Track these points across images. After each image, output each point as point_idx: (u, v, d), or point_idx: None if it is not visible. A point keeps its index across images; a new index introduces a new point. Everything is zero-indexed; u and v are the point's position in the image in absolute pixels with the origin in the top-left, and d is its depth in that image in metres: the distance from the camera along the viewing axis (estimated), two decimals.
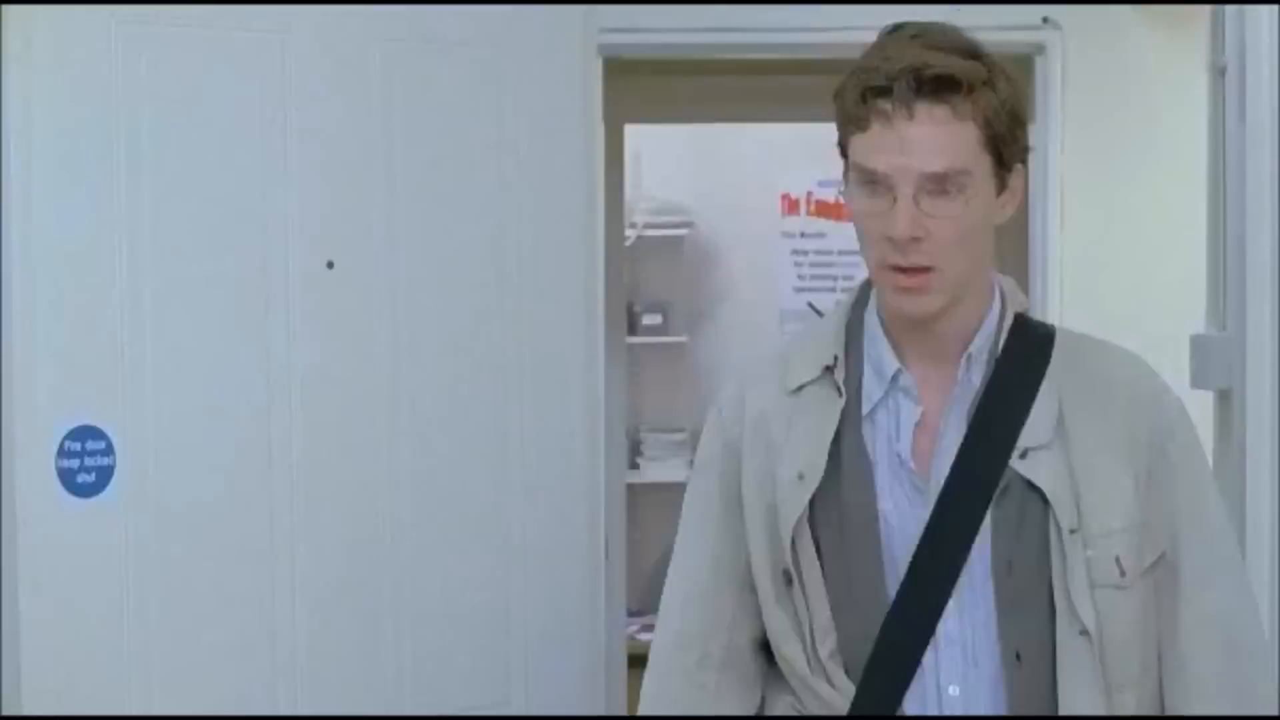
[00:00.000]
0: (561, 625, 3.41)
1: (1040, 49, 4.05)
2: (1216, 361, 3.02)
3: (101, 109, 2.90)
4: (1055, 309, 4.07)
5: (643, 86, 5.13)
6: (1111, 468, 1.98)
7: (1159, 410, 2.03)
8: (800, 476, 1.99)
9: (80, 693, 2.88)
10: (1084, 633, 1.95)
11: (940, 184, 1.91)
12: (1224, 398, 3.03)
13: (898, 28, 1.98)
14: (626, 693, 5.38)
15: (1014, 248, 4.30)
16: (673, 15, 3.97)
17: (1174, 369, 3.12)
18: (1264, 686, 2.03)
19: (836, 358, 2.03)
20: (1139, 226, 4.11)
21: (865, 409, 2.01)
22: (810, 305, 7.23)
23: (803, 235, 7.63)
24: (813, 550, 1.99)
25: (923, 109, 1.90)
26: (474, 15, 3.27)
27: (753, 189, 7.54)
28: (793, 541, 1.99)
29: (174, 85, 2.96)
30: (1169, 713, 2.01)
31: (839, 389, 2.01)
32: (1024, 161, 2.01)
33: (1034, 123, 4.09)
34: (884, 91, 1.91)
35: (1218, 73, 3.07)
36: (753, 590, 2.05)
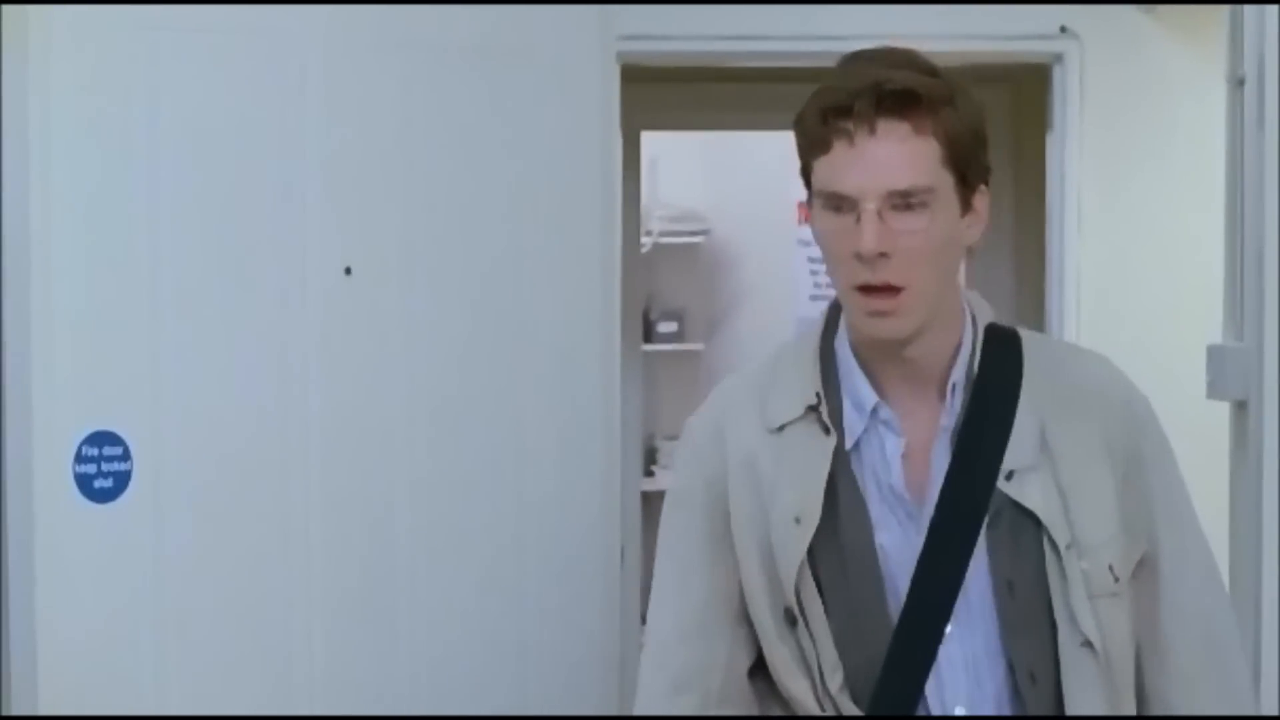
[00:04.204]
0: (576, 632, 3.41)
1: (1058, 58, 4.05)
2: (1233, 372, 3.01)
3: (120, 116, 2.91)
4: (1073, 319, 4.06)
5: (660, 94, 5.13)
6: (1095, 478, 1.99)
7: (1130, 412, 2.05)
8: (797, 520, 1.98)
9: (97, 699, 2.89)
10: (1086, 644, 1.96)
11: (905, 199, 1.91)
12: (1240, 408, 3.02)
13: (856, 55, 1.99)
14: None
15: (1032, 257, 4.30)
16: (690, 22, 3.97)
17: (1191, 379, 3.13)
18: (1242, 676, 2.08)
19: (819, 395, 2.02)
20: (1157, 236, 4.10)
21: (849, 444, 2.01)
22: None
23: None
24: (814, 589, 1.99)
25: (884, 125, 1.90)
26: (491, 21, 3.28)
27: (769, 196, 7.51)
28: (794, 581, 1.99)
29: (193, 90, 2.97)
30: (1150, 706, 2.03)
31: (826, 427, 2.01)
32: (986, 183, 2.00)
33: (1052, 132, 4.09)
34: (845, 111, 1.91)
35: (1236, 83, 3.07)
36: (746, 622, 2.05)
